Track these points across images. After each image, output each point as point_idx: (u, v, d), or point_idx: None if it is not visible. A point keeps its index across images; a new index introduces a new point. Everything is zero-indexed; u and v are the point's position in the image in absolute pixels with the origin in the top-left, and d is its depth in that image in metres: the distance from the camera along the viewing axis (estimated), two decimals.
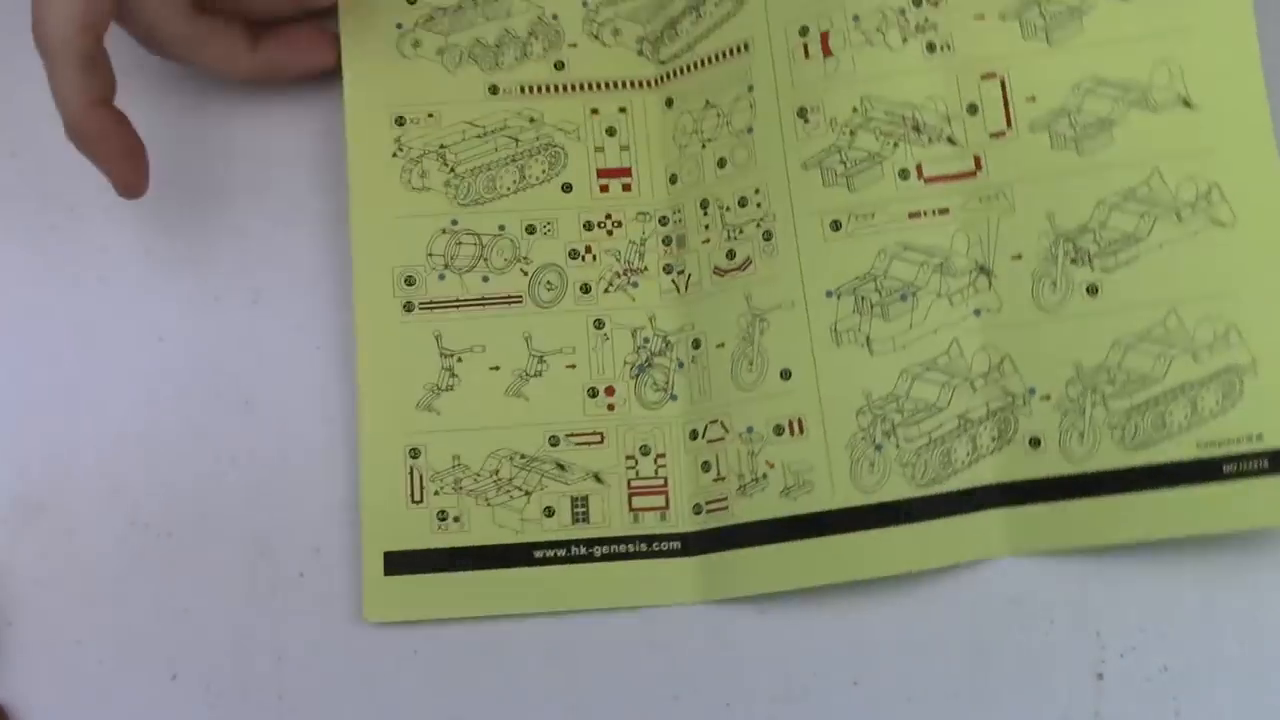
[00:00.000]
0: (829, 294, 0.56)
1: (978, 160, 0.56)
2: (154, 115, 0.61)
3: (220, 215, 0.60)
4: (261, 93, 0.61)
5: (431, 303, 0.58)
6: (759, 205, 0.57)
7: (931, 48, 0.57)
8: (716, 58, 0.59)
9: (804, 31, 0.57)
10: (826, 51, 0.57)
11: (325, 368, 0.58)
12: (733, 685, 0.55)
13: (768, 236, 0.57)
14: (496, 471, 0.56)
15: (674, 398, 0.57)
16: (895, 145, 0.56)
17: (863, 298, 0.56)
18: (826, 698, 0.55)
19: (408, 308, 0.57)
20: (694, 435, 0.57)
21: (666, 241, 0.59)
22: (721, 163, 0.58)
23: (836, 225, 0.56)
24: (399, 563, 0.56)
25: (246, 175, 0.60)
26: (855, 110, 0.57)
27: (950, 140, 0.57)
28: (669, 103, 0.60)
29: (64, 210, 0.60)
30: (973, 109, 0.57)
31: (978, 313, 0.56)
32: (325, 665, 0.56)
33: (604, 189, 0.59)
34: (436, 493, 0.56)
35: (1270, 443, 0.53)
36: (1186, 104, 0.55)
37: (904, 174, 0.56)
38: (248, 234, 0.60)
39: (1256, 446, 0.53)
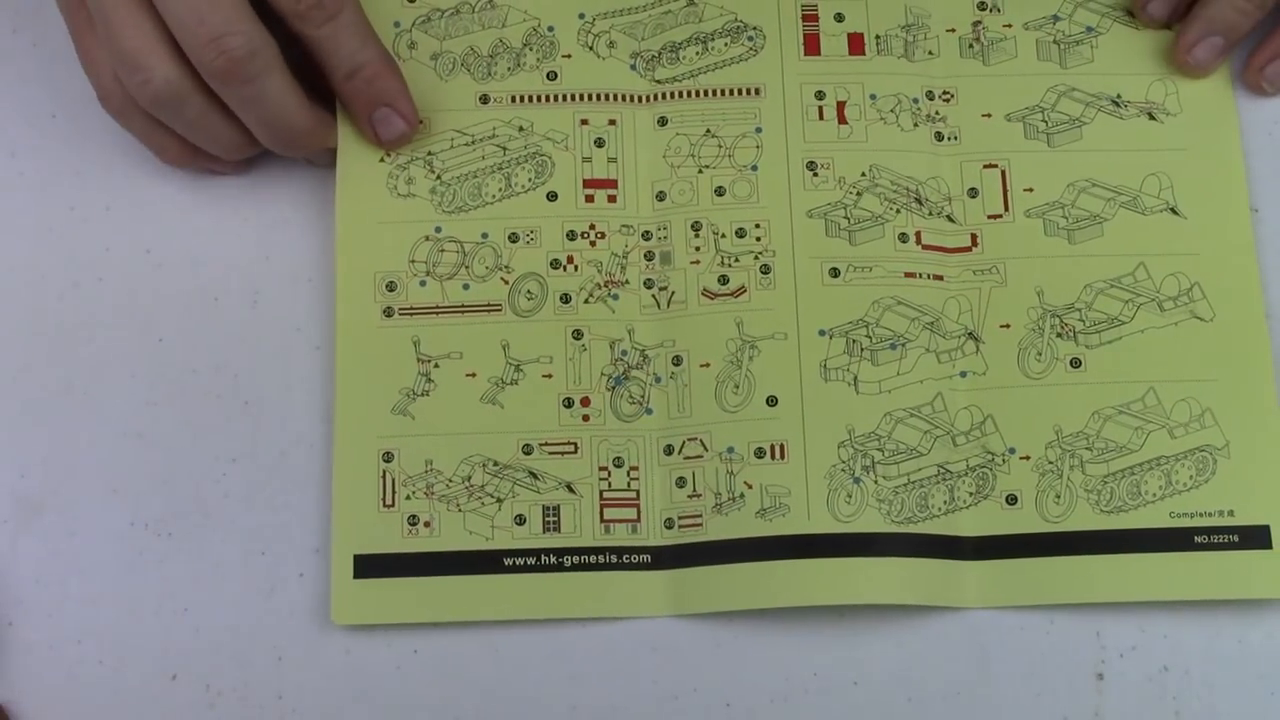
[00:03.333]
0: (822, 332, 0.57)
1: (974, 238, 0.59)
2: None
3: (220, 215, 0.60)
4: None
5: (411, 309, 0.58)
6: (758, 239, 0.58)
7: (939, 137, 0.60)
8: (722, 93, 0.60)
9: (820, 95, 0.60)
10: (842, 120, 0.60)
11: (324, 368, 0.58)
12: (733, 685, 0.55)
13: (765, 270, 0.58)
14: (469, 478, 0.56)
15: (649, 411, 0.58)
16: (898, 211, 0.59)
17: (854, 341, 0.57)
18: (826, 698, 0.55)
19: (387, 313, 0.58)
20: (669, 450, 0.57)
21: (649, 256, 0.59)
22: (720, 191, 0.59)
23: (835, 272, 0.58)
24: (369, 566, 0.55)
25: (246, 176, 0.60)
26: (864, 175, 0.59)
27: (949, 218, 0.59)
28: (662, 121, 0.60)
29: (64, 210, 0.60)
30: (973, 192, 0.59)
31: (964, 374, 0.57)
32: (325, 666, 0.56)
33: (589, 199, 0.59)
34: (408, 497, 0.56)
35: (1241, 519, 0.56)
36: (1174, 212, 0.59)
37: (903, 238, 0.58)
38: (247, 234, 0.60)
39: (1228, 521, 0.56)
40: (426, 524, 0.56)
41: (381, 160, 0.59)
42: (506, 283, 0.58)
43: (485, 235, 0.59)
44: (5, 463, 0.57)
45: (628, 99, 0.60)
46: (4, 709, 0.55)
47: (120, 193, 0.60)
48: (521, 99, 0.60)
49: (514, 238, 0.59)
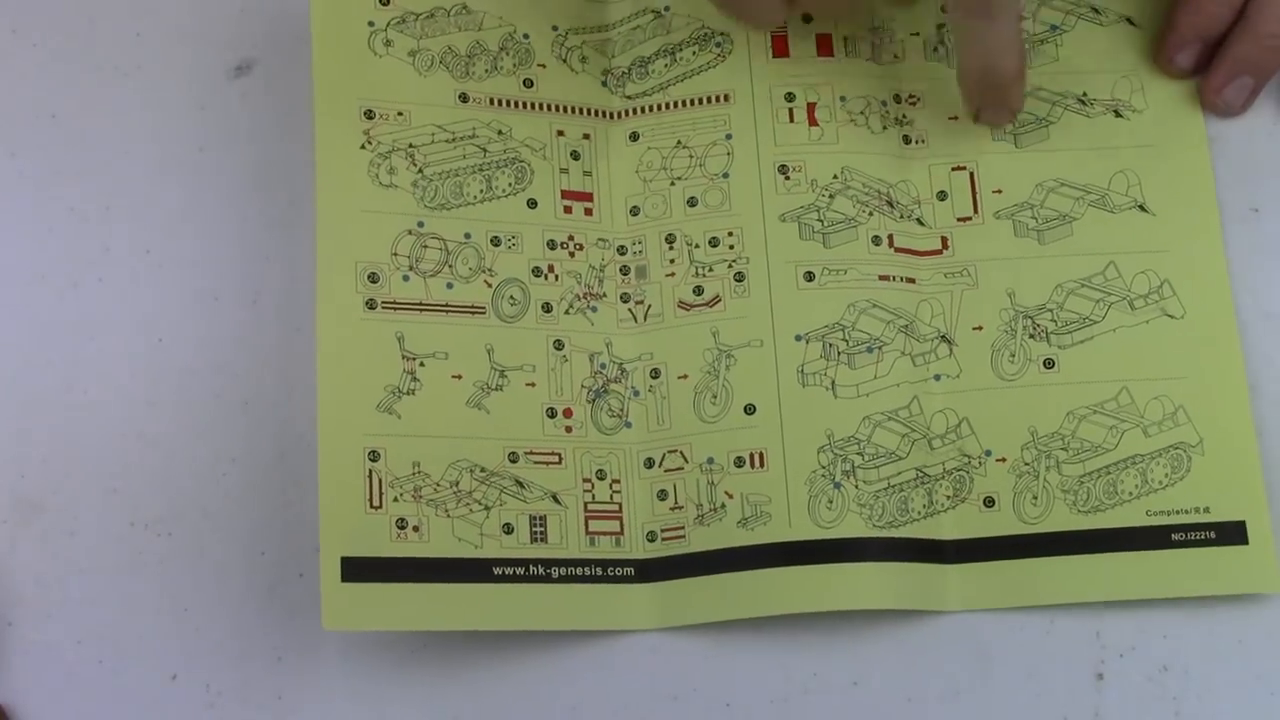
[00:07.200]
0: (798, 338, 0.57)
1: (944, 240, 0.59)
2: (152, 114, 0.61)
3: (220, 215, 0.60)
4: (262, 90, 0.61)
5: (394, 303, 0.57)
6: (731, 247, 0.58)
7: (907, 140, 0.60)
8: (692, 103, 0.60)
9: (790, 98, 0.60)
10: (813, 122, 0.60)
11: None
12: (733, 685, 0.55)
13: (740, 278, 0.58)
14: (457, 483, 0.56)
15: (629, 425, 0.57)
16: (870, 214, 0.59)
17: (830, 345, 0.57)
18: (826, 698, 0.55)
19: (370, 305, 0.57)
20: (649, 464, 0.57)
21: (624, 270, 0.59)
22: (692, 202, 0.59)
23: (810, 276, 0.58)
24: (358, 569, 0.54)
25: (246, 174, 0.60)
26: (836, 177, 0.59)
27: (919, 221, 0.59)
28: (634, 136, 0.60)
29: (64, 210, 0.60)
30: (942, 195, 0.60)
31: (938, 378, 0.58)
32: (325, 666, 0.56)
33: (568, 210, 0.59)
34: (396, 499, 0.55)
35: (1217, 516, 0.56)
36: (1142, 209, 0.59)
37: (876, 240, 0.58)
38: (247, 234, 0.60)
39: (1204, 518, 0.56)
40: (415, 528, 0.55)
41: (362, 147, 0.58)
42: (490, 285, 0.58)
43: (468, 235, 0.58)
44: (5, 463, 0.57)
45: (601, 114, 0.60)
46: (4, 709, 0.55)
47: (120, 193, 0.60)
48: (500, 102, 0.60)
49: (496, 241, 0.59)
